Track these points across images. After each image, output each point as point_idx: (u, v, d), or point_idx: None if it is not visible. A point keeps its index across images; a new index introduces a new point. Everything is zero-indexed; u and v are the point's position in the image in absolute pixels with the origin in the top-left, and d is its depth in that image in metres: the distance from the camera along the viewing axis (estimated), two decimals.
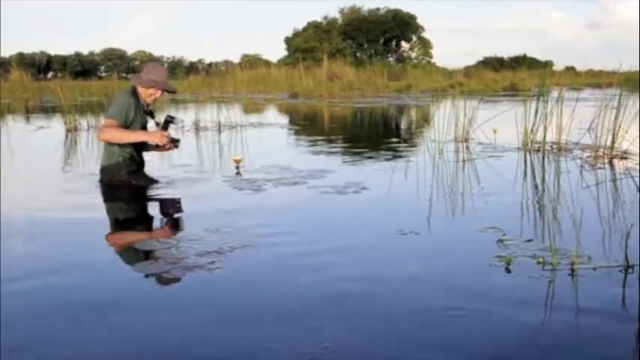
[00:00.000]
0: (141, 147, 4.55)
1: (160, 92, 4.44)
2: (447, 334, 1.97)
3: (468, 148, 7.04)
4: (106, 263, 2.84)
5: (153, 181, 4.62)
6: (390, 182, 4.83)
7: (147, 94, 4.41)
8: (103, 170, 4.48)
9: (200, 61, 56.00)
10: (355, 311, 2.18)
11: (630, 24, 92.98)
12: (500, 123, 7.79)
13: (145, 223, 3.74)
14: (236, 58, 42.93)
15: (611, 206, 3.87)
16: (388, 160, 6.22)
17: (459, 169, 5.50)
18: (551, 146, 6.39)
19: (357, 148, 7.39)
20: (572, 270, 2.50)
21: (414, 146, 7.05)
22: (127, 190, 4.43)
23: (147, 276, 2.56)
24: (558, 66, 42.44)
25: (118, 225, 3.76)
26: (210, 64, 45.36)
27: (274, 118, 13.57)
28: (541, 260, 2.60)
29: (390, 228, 3.31)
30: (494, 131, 7.49)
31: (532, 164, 5.77)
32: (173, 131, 5.05)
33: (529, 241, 2.95)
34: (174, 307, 2.24)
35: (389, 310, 2.19)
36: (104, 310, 2.23)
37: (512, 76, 33.70)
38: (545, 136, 6.27)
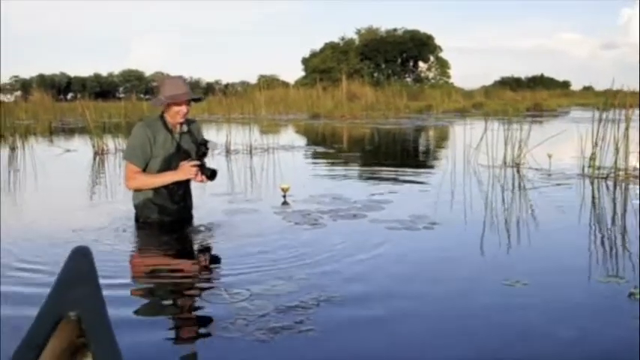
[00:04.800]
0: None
1: (182, 106, 3.79)
2: None
3: (520, 174, 6.59)
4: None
5: (188, 219, 4.08)
6: (459, 216, 4.40)
7: (171, 115, 3.83)
8: (135, 207, 4.01)
9: (217, 82, 56.05)
10: None
11: None
12: (550, 146, 7.34)
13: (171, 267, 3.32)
14: (253, 79, 42.71)
15: None
16: (442, 188, 5.75)
17: (528, 200, 5.04)
18: (616, 173, 5.91)
19: (403, 173, 6.94)
20: None
21: (463, 171, 6.60)
22: (157, 231, 3.88)
23: (229, 340, 2.14)
24: (576, 86, 41.86)
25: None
26: (227, 85, 45.21)
27: (302, 140, 13.19)
28: None
29: (491, 277, 2.86)
30: (549, 155, 7.04)
31: (613, 196, 5.25)
32: (210, 158, 4.52)
33: None
34: None
35: None
36: None
37: (532, 95, 33.21)
38: (616, 163, 5.79)
